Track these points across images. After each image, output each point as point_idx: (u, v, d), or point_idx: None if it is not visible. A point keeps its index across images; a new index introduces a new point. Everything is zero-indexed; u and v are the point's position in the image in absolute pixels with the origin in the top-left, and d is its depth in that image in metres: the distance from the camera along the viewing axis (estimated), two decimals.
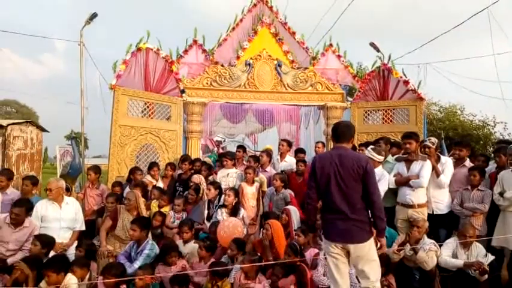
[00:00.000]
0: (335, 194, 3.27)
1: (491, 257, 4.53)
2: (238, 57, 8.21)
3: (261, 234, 4.90)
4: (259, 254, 4.41)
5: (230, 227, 4.86)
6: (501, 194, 4.58)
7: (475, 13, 7.91)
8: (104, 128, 7.43)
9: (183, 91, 7.76)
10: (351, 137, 3.49)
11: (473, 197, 5.01)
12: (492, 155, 6.47)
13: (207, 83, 8.04)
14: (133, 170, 6.37)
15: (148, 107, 7.39)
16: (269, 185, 6.34)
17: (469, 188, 5.09)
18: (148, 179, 6.44)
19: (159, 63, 7.51)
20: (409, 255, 4.45)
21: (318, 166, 3.38)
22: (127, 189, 5.80)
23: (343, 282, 3.32)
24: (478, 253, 4.57)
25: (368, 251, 3.27)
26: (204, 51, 8.20)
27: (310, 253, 4.62)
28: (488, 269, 4.40)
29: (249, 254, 4.31)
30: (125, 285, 3.92)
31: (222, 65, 8.13)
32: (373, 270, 3.31)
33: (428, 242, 4.41)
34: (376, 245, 3.36)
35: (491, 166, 5.57)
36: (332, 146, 3.62)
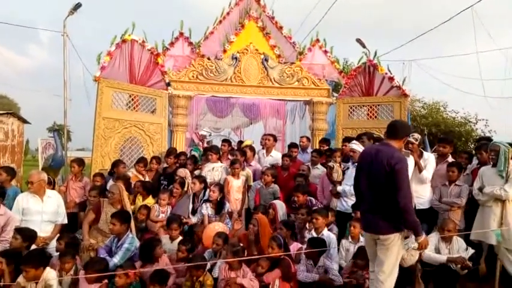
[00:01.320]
0: (366, 187, 3.50)
1: (471, 251, 4.66)
2: (224, 51, 8.16)
3: (247, 229, 4.93)
4: (241, 245, 4.42)
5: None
6: (480, 189, 4.68)
7: (459, 11, 8.02)
8: (87, 120, 7.34)
9: (168, 84, 7.68)
10: (400, 136, 3.49)
11: (451, 192, 5.14)
12: (474, 151, 6.60)
13: (193, 76, 7.98)
14: (117, 163, 6.31)
15: (133, 99, 7.30)
16: (254, 179, 6.36)
17: (447, 183, 5.21)
18: (133, 172, 6.39)
19: (144, 55, 7.42)
20: None
21: (359, 160, 3.73)
22: (110, 182, 5.74)
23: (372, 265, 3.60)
24: (460, 247, 4.70)
25: (389, 245, 3.35)
26: (190, 44, 8.13)
27: (293, 247, 4.66)
28: (471, 265, 4.53)
29: (231, 245, 4.32)
30: (106, 280, 3.89)
31: (209, 58, 8.07)
32: (388, 263, 3.38)
33: (413, 240, 4.48)
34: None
35: (474, 163, 5.69)
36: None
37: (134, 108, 7.32)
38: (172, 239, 4.89)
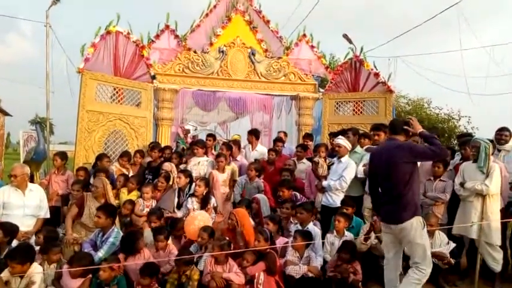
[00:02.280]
0: (382, 181, 3.78)
1: (452, 245, 4.77)
2: (211, 44, 8.10)
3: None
4: (227, 238, 4.42)
5: (200, 224, 4.79)
6: (462, 184, 4.77)
7: (444, 9, 8.09)
8: (70, 113, 7.20)
9: (153, 77, 7.59)
10: (400, 131, 3.83)
11: (435, 187, 5.23)
12: (456, 147, 6.73)
13: (179, 69, 7.90)
14: (101, 157, 6.22)
15: (117, 92, 7.20)
16: (240, 174, 6.35)
17: (432, 178, 5.30)
18: (117, 166, 6.31)
19: (129, 47, 7.31)
20: (373, 243, 4.58)
21: (372, 158, 3.96)
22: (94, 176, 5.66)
23: (389, 256, 3.88)
24: (441, 241, 4.80)
25: (411, 231, 3.60)
26: (176, 36, 8.05)
27: (279, 241, 4.69)
28: (453, 262, 4.63)
29: (217, 239, 4.32)
30: (90, 275, 3.85)
31: (195, 52, 8.00)
32: (416, 252, 3.66)
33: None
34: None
35: (456, 158, 5.79)
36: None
37: (119, 101, 7.22)
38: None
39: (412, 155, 3.68)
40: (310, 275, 4.29)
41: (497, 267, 4.58)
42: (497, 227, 4.57)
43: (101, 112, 6.96)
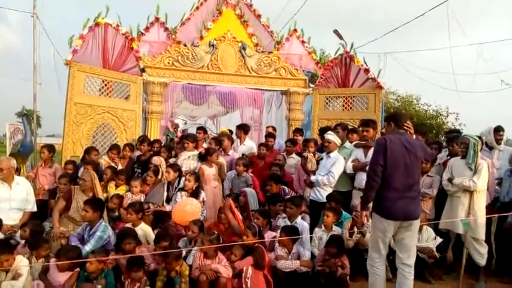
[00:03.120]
0: (401, 175, 3.59)
1: (439, 240, 4.85)
2: (201, 38, 8.04)
3: (219, 218, 4.95)
4: (216, 233, 4.42)
5: (193, 210, 4.79)
6: (450, 180, 4.83)
7: (434, 6, 8.16)
8: (58, 105, 7.11)
9: (143, 70, 7.50)
10: (402, 125, 3.80)
11: (423, 183, 5.27)
12: (444, 143, 6.81)
13: (168, 63, 7.83)
14: (89, 150, 6.15)
15: (106, 85, 7.11)
16: (231, 168, 6.34)
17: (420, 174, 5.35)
18: (105, 159, 6.25)
19: (118, 39, 7.21)
20: (357, 238, 4.62)
21: (390, 148, 3.60)
22: (82, 169, 5.60)
23: (383, 253, 3.78)
24: (429, 236, 4.87)
25: (416, 227, 3.74)
26: (166, 29, 7.98)
27: (268, 235, 4.71)
28: (438, 256, 4.70)
29: (207, 234, 4.31)
30: (78, 268, 3.82)
31: (185, 45, 7.93)
32: (413, 250, 3.76)
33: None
34: None
35: (443, 154, 5.85)
36: (388, 131, 3.94)
37: (107, 94, 7.14)
38: (133, 225, 4.73)
39: (424, 156, 3.78)
40: (304, 269, 4.32)
41: (482, 261, 4.67)
42: (483, 222, 4.65)
43: (89, 105, 6.87)
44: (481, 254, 4.65)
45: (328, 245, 4.45)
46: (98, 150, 6.41)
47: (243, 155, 6.51)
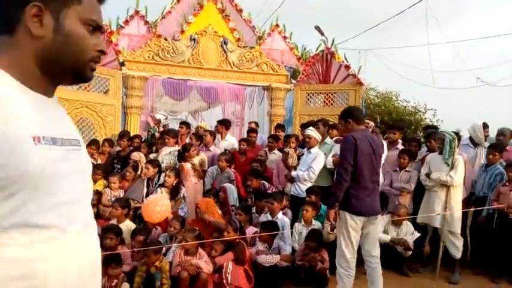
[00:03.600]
0: (369, 173, 3.68)
1: (417, 234, 4.96)
2: (182, 32, 7.95)
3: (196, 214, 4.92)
4: (198, 229, 4.40)
5: (157, 211, 4.71)
6: (427, 175, 4.93)
7: (414, 3, 8.25)
8: None
9: (122, 64, 7.37)
10: (363, 122, 3.89)
11: (401, 178, 5.38)
12: (422, 139, 6.94)
13: (148, 57, 7.71)
14: None
15: None
16: (212, 164, 6.31)
17: (398, 169, 5.45)
18: None
19: None
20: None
21: (360, 148, 3.61)
22: None
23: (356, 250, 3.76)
24: (407, 231, 4.98)
25: (377, 225, 3.90)
26: (146, 22, 7.86)
27: (249, 231, 4.71)
28: (412, 247, 4.80)
29: (188, 231, 4.29)
30: None
31: (165, 39, 7.83)
32: (377, 244, 3.84)
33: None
34: None
35: (423, 150, 5.97)
36: (348, 128, 3.83)
37: (86, 88, 6.99)
38: (118, 221, 4.68)
39: (382, 151, 3.86)
40: (284, 264, 4.34)
41: (458, 254, 4.79)
42: (459, 216, 4.76)
43: (66, 99, 6.69)
44: (456, 247, 4.77)
45: (307, 239, 4.48)
46: None
47: (225, 150, 6.49)
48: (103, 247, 4.00)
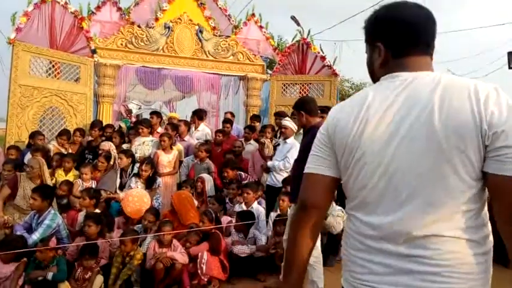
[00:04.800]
0: None
1: None
2: (156, 19, 7.79)
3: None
4: (172, 222, 4.37)
5: (135, 201, 4.67)
6: None
7: None
8: (1, 87, 6.66)
9: (94, 51, 7.16)
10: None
11: None
12: None
13: (121, 44, 7.52)
14: (34, 135, 5.83)
15: (53, 66, 6.73)
16: (187, 155, 6.26)
17: None
18: (54, 145, 5.95)
19: (66, 18, 6.81)
20: None
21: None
22: (28, 155, 5.30)
23: None
24: None
25: None
26: (119, 9, 7.66)
27: (223, 220, 4.72)
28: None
29: (161, 222, 4.25)
30: (25, 259, 3.64)
31: (139, 26, 7.65)
32: None
33: (336, 209, 4.73)
34: None
35: None
36: (302, 120, 3.72)
37: (55, 75, 6.76)
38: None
39: None
40: (260, 254, 4.36)
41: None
42: None
43: (35, 87, 6.48)
44: None
45: (274, 225, 4.52)
46: (43, 134, 6.09)
47: (206, 141, 6.44)
48: (84, 235, 3.97)
